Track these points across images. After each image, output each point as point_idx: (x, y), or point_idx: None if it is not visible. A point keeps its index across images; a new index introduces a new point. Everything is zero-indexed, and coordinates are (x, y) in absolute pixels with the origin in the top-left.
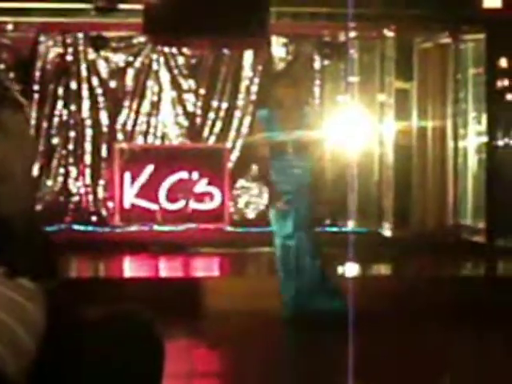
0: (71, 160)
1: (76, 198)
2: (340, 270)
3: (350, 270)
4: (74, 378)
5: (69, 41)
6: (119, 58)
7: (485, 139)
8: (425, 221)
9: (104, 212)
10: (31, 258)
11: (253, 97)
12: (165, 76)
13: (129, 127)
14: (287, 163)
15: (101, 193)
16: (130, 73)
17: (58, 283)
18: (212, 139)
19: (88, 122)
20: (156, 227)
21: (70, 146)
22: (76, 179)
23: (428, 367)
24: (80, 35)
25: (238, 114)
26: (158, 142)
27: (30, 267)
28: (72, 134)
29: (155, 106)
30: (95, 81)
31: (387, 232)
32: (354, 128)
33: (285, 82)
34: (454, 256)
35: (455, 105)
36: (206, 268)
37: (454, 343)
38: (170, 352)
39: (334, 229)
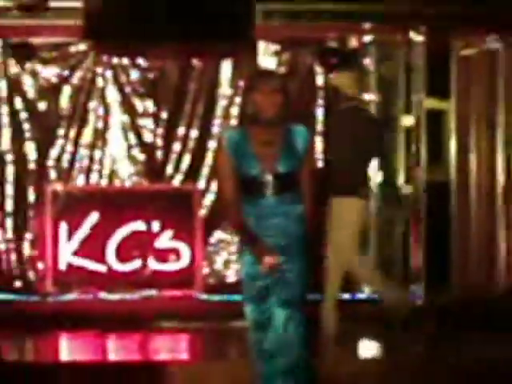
0: None
1: None
2: (355, 350)
3: (369, 350)
4: None
5: None
6: (51, 72)
7: None
8: (468, 283)
9: (31, 275)
10: None
11: (233, 121)
12: (113, 95)
13: (65, 163)
14: (270, 209)
15: (27, 250)
16: (66, 91)
17: None
18: (178, 178)
19: (9, 157)
20: (103, 295)
21: None
22: None
23: None
24: None
25: (212, 144)
26: (104, 183)
27: None
28: None
29: (100, 134)
30: (18, 102)
31: (418, 299)
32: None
33: (267, 86)
34: (508, 331)
35: (508, 129)
36: (171, 349)
37: None
38: None
39: (346, 295)
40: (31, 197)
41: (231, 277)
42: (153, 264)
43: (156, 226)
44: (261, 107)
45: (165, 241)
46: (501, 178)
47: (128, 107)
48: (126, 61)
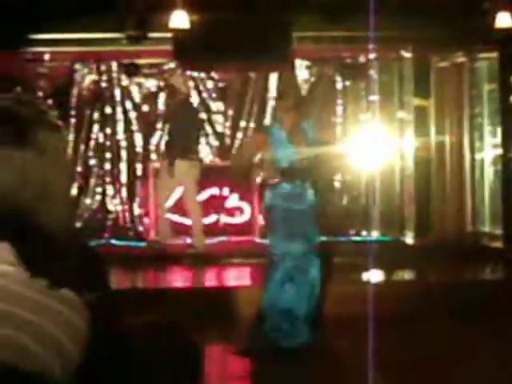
0: (108, 179)
1: (113, 215)
2: (365, 276)
3: (374, 276)
4: None
5: (103, 68)
6: (151, 84)
7: (500, 151)
8: (445, 229)
9: (140, 227)
10: (74, 271)
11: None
12: (195, 99)
13: (161, 148)
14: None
15: (136, 209)
16: (161, 97)
17: (100, 295)
18: None
19: (123, 144)
20: (189, 240)
21: (107, 167)
22: (113, 197)
23: (449, 367)
24: (113, 63)
25: None
26: None
27: (72, 279)
28: (108, 155)
29: None
30: (129, 105)
31: (409, 240)
32: (376, 144)
33: (287, 103)
34: (473, 261)
35: (471, 120)
36: (237, 278)
37: (475, 344)
38: (207, 356)
39: (359, 238)
40: (139, 172)
41: None
42: (224, 218)
43: (226, 190)
44: (285, 121)
45: (232, 201)
46: (467, 154)
47: (205, 107)
48: (203, 74)
